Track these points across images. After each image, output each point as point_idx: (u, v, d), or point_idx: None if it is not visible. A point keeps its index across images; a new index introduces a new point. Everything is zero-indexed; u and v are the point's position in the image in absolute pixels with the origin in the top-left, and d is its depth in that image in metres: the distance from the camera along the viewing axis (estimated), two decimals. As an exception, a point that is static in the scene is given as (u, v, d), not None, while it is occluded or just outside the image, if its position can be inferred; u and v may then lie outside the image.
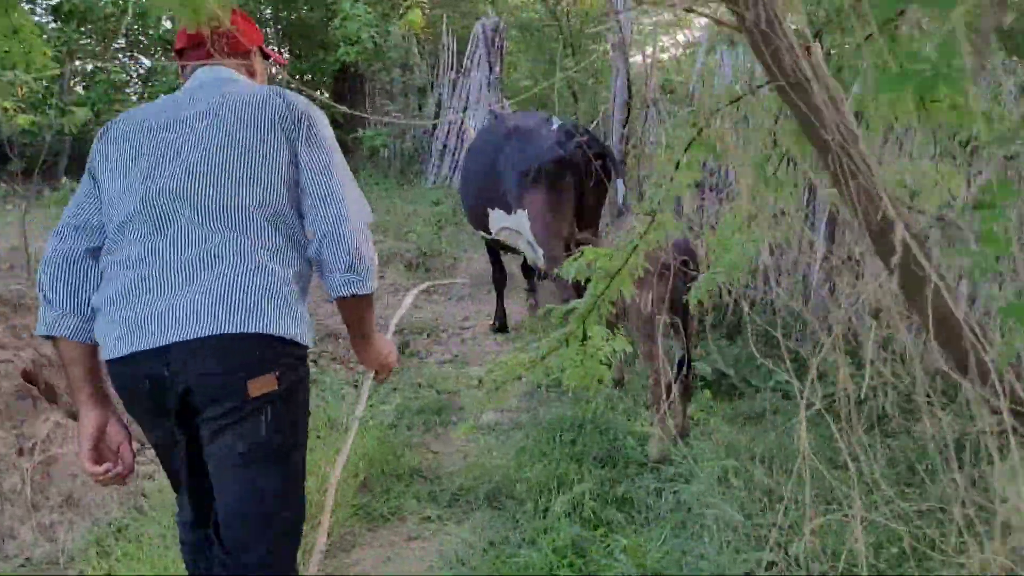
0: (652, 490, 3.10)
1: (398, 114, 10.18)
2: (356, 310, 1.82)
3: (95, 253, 1.75)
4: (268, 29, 12.03)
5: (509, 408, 4.17)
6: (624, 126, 6.12)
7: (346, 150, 11.01)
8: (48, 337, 1.76)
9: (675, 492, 3.04)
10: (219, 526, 1.72)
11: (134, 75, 11.85)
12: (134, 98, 11.21)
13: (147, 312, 1.62)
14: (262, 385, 1.64)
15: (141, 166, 1.72)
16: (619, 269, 1.70)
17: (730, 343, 5.14)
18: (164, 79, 10.35)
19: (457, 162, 9.78)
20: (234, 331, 1.61)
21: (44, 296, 1.74)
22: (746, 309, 2.32)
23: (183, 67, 1.97)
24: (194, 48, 1.94)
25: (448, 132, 10.06)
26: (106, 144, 1.80)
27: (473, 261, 7.41)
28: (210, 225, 1.67)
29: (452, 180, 9.64)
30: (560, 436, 3.55)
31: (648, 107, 6.06)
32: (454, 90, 10.03)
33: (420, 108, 10.48)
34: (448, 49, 10.24)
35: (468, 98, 9.63)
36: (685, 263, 4.11)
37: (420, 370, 4.75)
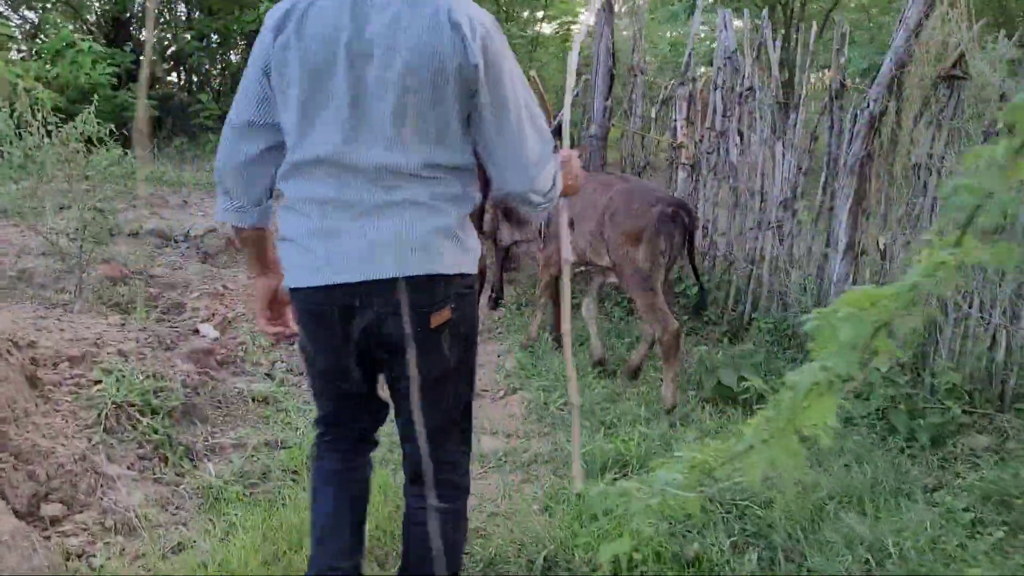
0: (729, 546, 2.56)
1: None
2: None
3: (270, 151, 1.82)
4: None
5: (513, 432, 3.56)
6: (607, 98, 5.53)
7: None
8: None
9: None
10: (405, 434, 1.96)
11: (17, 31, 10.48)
12: (16, 57, 9.91)
13: (341, 250, 1.74)
14: (440, 317, 1.81)
15: (329, 105, 1.73)
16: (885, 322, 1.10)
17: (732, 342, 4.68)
18: (56, 32, 9.12)
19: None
20: (418, 273, 1.75)
21: (224, 189, 1.88)
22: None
23: None
24: None
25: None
26: (283, 50, 1.73)
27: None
28: (392, 172, 1.73)
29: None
30: (602, 473, 2.97)
31: (635, 76, 5.47)
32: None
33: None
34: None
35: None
36: (677, 214, 3.99)
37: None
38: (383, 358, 1.88)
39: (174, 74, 12.04)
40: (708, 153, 5.18)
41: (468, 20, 1.71)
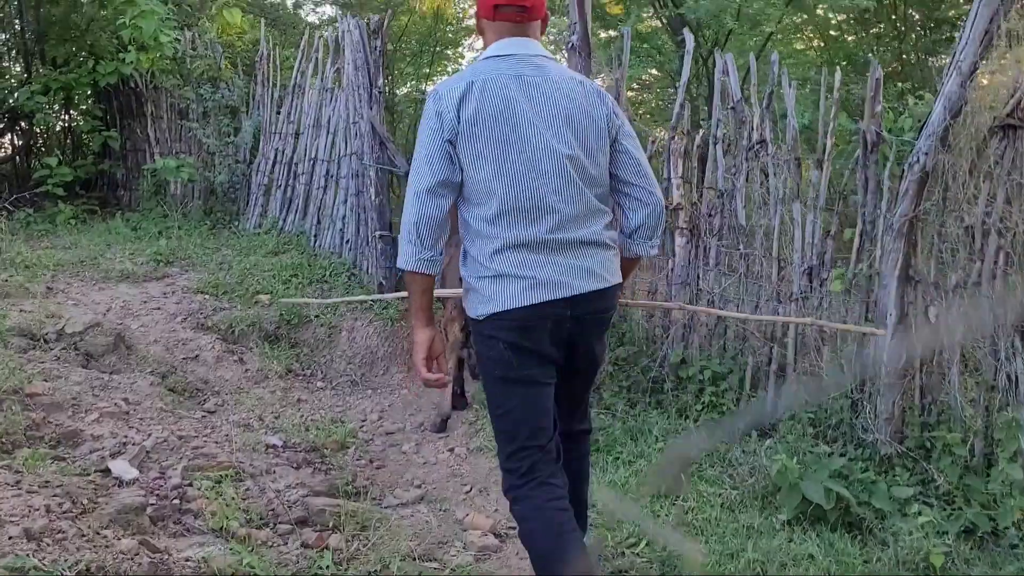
0: None
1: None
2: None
3: (451, 206, 2.29)
4: (17, 26, 9.41)
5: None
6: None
7: (123, 185, 8.73)
8: (406, 271, 2.32)
9: None
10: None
11: None
12: None
13: (553, 275, 2.25)
14: (614, 312, 2.51)
15: (518, 158, 2.23)
16: None
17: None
18: None
19: (291, 199, 7.97)
20: (611, 284, 2.36)
21: (419, 238, 2.25)
22: None
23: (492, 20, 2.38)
24: (518, 9, 2.34)
25: (274, 163, 8.22)
26: (470, 124, 2.22)
27: (356, 331, 5.73)
28: (581, 208, 2.29)
29: (285, 222, 7.80)
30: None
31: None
32: (278, 111, 8.23)
33: (234, 133, 8.51)
34: (268, 60, 8.43)
35: (302, 120, 7.89)
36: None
37: (379, 535, 3.06)
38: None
39: (7, 136, 10.46)
40: (710, 215, 4.58)
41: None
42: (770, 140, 4.34)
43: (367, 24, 6.11)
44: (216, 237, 7.76)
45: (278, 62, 8.43)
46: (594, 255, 2.29)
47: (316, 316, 5.84)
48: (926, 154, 3.73)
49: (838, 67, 4.29)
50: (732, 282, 4.52)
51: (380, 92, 5.87)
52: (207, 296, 5.87)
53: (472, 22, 14.15)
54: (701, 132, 4.65)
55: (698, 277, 4.63)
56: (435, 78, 13.29)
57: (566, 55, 4.77)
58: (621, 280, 2.41)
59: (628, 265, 2.52)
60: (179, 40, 8.02)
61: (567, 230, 2.25)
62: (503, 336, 2.26)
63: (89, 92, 9.65)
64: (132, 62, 7.62)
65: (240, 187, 8.49)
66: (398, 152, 6.05)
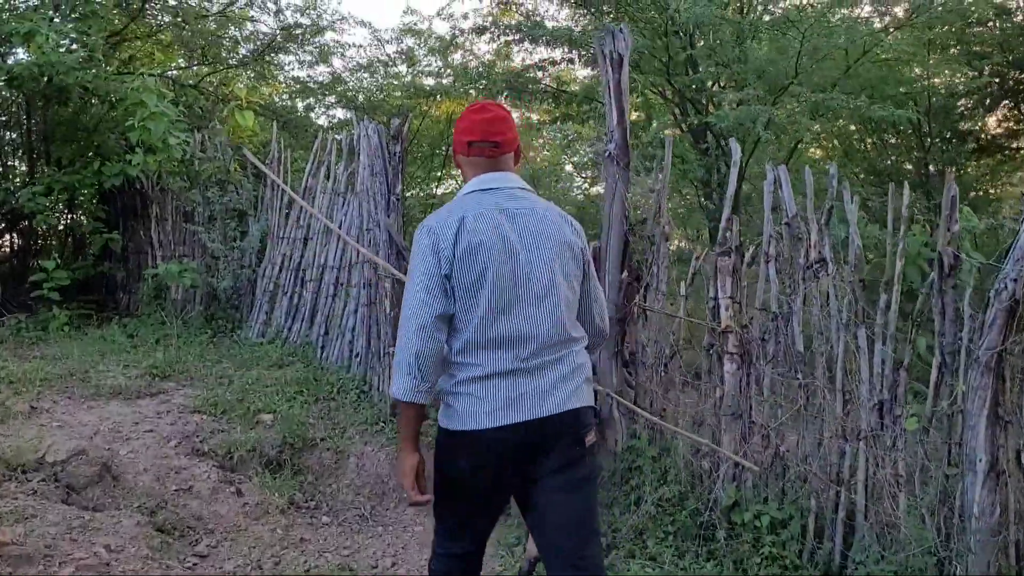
0: None
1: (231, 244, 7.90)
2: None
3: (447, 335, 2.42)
4: (24, 126, 9.23)
5: None
6: (623, 269, 4.49)
7: (123, 287, 8.33)
8: (402, 401, 2.41)
9: None
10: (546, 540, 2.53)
11: None
12: None
13: (524, 398, 2.38)
14: (591, 437, 2.50)
15: (501, 295, 2.38)
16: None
17: None
18: None
19: (297, 307, 7.60)
20: (579, 405, 2.47)
21: (419, 371, 2.34)
22: None
23: (467, 156, 2.57)
24: (491, 144, 2.54)
25: (281, 268, 7.89)
26: (461, 253, 2.37)
27: (366, 457, 5.26)
28: (554, 338, 2.44)
29: (291, 331, 7.41)
30: None
31: (658, 242, 4.49)
32: (287, 216, 7.95)
33: (240, 237, 8.21)
34: (279, 163, 8.21)
35: (312, 225, 7.61)
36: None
37: None
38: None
39: (7, 236, 10.19)
40: (763, 340, 4.18)
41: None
42: (831, 259, 3.98)
43: (387, 128, 5.86)
44: (217, 347, 7.35)
45: (288, 165, 8.22)
46: (572, 377, 2.47)
47: (322, 439, 5.37)
48: (1015, 280, 3.35)
49: (905, 183, 3.95)
50: (789, 415, 4.08)
51: (398, 199, 5.58)
52: (204, 416, 5.41)
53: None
54: (752, 249, 4.29)
55: (750, 408, 4.19)
56: (446, 182, 13.18)
57: (602, 165, 4.47)
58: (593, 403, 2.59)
59: None
60: (188, 142, 7.80)
61: (546, 354, 2.43)
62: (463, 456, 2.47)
63: (93, 193, 9.42)
64: (139, 164, 7.36)
65: (244, 293, 8.13)
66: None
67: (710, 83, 8.44)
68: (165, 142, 7.19)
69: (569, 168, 16.13)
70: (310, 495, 5.02)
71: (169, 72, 10.26)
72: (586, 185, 15.97)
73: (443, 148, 11.95)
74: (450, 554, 2.62)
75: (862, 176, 10.61)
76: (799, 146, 9.09)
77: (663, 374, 4.48)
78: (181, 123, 7.68)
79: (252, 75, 10.11)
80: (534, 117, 13.14)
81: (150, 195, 9.17)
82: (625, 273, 4.47)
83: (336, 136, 7.74)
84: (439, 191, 12.64)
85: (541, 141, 16.95)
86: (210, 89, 9.21)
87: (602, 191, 12.09)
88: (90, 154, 8.98)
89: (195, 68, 10.38)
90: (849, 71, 7.55)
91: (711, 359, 4.34)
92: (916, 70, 9.38)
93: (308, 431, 5.43)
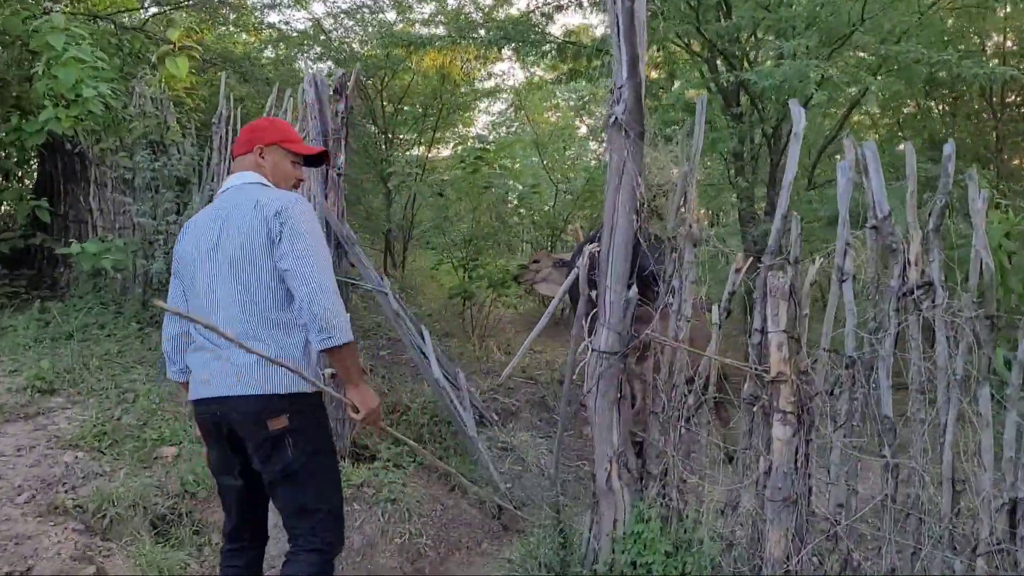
0: None
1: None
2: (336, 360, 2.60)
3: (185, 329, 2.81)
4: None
5: None
6: (630, 285, 3.20)
7: (62, 263, 7.08)
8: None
9: None
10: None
11: None
12: None
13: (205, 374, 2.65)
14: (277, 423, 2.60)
15: (196, 286, 2.67)
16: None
17: None
18: None
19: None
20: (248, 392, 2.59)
21: (168, 357, 2.87)
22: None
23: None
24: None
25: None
26: (178, 257, 2.81)
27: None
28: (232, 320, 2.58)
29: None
30: None
31: (681, 249, 3.21)
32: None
33: (181, 209, 6.97)
34: (228, 122, 6.93)
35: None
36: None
37: None
38: None
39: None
40: (831, 395, 2.90)
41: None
42: (940, 283, 2.69)
43: (328, 80, 4.53)
44: (141, 344, 6.12)
45: (238, 124, 6.93)
46: None
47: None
48: None
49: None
50: (869, 508, 2.82)
51: (340, 175, 4.29)
52: (82, 452, 4.21)
53: (484, 83, 12.84)
54: (818, 262, 2.98)
55: (810, 492, 2.92)
56: (440, 145, 11.85)
57: (606, 136, 3.17)
58: None
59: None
60: (116, 95, 6.51)
61: None
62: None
63: (26, 154, 8.18)
64: (48, 120, 6.08)
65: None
66: (366, 259, 4.45)
67: (748, 33, 7.03)
68: (79, 94, 5.90)
69: (583, 131, 14.74)
70: (211, 566, 3.82)
71: (119, 13, 8.93)
72: (601, 150, 14.60)
73: (436, 108, 10.59)
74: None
75: (924, 143, 9.12)
76: (825, 109, 7.65)
77: (683, 432, 3.22)
78: (106, 72, 6.38)
79: (198, 16, 8.77)
80: (539, 73, 11.79)
81: (89, 157, 7.92)
82: (633, 290, 3.19)
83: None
84: (430, 154, 11.29)
85: (547, 103, 15.55)
86: (157, 33, 7.90)
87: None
88: (11, 107, 7.70)
89: (147, 10, 9.05)
90: (922, 19, 6.15)
91: (753, 417, 3.06)
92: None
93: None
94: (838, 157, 8.74)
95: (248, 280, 2.56)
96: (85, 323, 6.49)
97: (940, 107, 8.61)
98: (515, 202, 9.90)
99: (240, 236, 2.56)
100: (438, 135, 11.24)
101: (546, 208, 11.14)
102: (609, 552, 3.25)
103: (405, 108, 10.73)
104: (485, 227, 8.98)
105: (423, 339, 5.19)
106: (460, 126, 12.16)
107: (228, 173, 2.68)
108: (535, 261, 7.71)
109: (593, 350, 3.23)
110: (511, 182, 10.42)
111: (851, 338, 2.88)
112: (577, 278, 3.28)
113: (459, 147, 11.38)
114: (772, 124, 7.06)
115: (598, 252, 3.20)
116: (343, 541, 2.82)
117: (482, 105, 13.42)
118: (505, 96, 13.58)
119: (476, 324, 8.64)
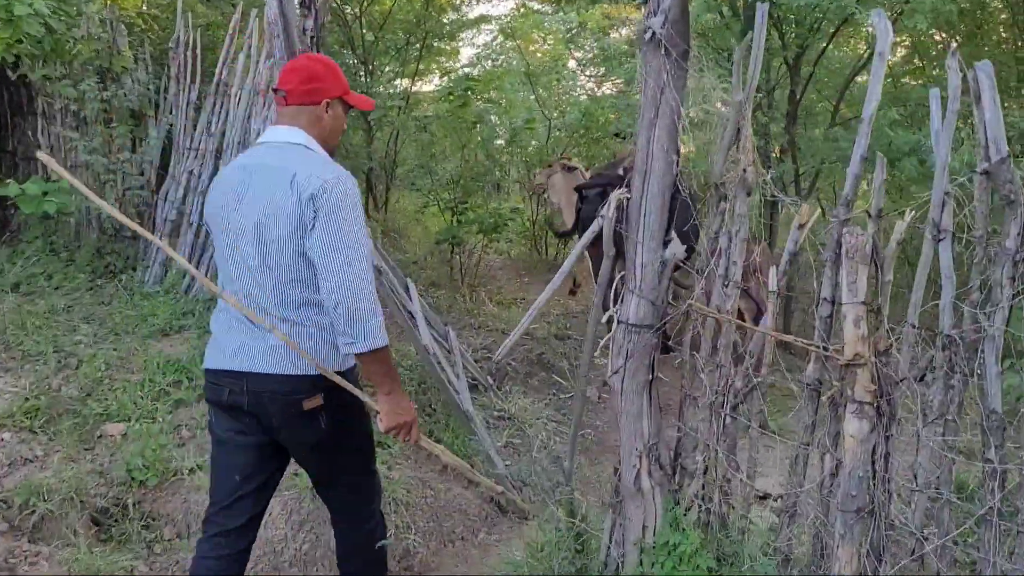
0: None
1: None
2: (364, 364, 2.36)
3: None
4: None
5: None
6: (664, 242, 2.61)
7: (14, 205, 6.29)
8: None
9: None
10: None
11: None
12: None
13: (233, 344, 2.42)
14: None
15: (224, 243, 2.41)
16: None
17: None
18: None
19: (205, 245, 5.75)
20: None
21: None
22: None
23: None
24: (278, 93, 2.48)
25: (187, 190, 6.01)
26: (208, 205, 2.49)
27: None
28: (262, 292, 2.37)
29: (195, 279, 5.58)
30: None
31: (733, 197, 2.62)
32: (200, 117, 6.02)
33: (136, 145, 6.28)
34: (187, 48, 6.22)
35: (228, 134, 5.69)
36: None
37: None
38: None
39: None
40: (921, 381, 2.35)
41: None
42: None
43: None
44: (93, 298, 5.49)
45: (199, 51, 6.20)
46: None
47: (192, 470, 3.59)
48: None
49: None
50: (969, 524, 2.28)
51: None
52: (8, 433, 3.62)
53: (472, 12, 11.99)
54: (908, 217, 2.39)
55: (889, 500, 2.38)
56: (425, 77, 11.09)
57: (640, 57, 2.54)
58: None
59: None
60: (56, 14, 5.75)
61: None
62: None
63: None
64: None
65: (143, 223, 6.22)
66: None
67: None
68: (9, 11, 5.16)
69: (572, 64, 13.94)
70: (164, 567, 3.27)
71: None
72: (591, 85, 13.82)
73: (420, 36, 9.81)
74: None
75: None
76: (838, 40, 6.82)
77: (727, 421, 2.66)
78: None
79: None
80: (535, 5, 10.94)
81: (35, 85, 7.16)
82: (671, 248, 2.59)
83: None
84: (414, 88, 10.53)
85: (538, 33, 14.69)
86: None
87: (611, 92, 9.83)
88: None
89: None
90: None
91: (815, 406, 2.51)
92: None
93: (173, 456, 3.66)
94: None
95: (277, 258, 2.30)
96: (32, 273, 5.84)
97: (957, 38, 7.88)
98: (508, 138, 9.26)
99: (271, 213, 2.28)
100: (422, 67, 10.46)
101: (534, 145, 10.49)
102: (636, 564, 2.72)
103: (387, 36, 9.93)
104: (474, 166, 8.36)
105: (408, 296, 4.60)
106: (445, 58, 11.37)
107: (271, 123, 2.42)
108: (548, 166, 7.74)
109: (620, 322, 2.65)
110: (501, 117, 9.76)
111: (948, 312, 2.31)
112: (600, 232, 2.69)
113: (444, 78, 10.63)
114: (794, 52, 6.38)
115: (627, 200, 2.59)
116: (381, 492, 2.81)
117: (468, 36, 12.63)
118: (491, 28, 12.79)
119: (465, 272, 8.05)
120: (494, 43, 13.48)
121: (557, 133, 10.42)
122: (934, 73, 8.38)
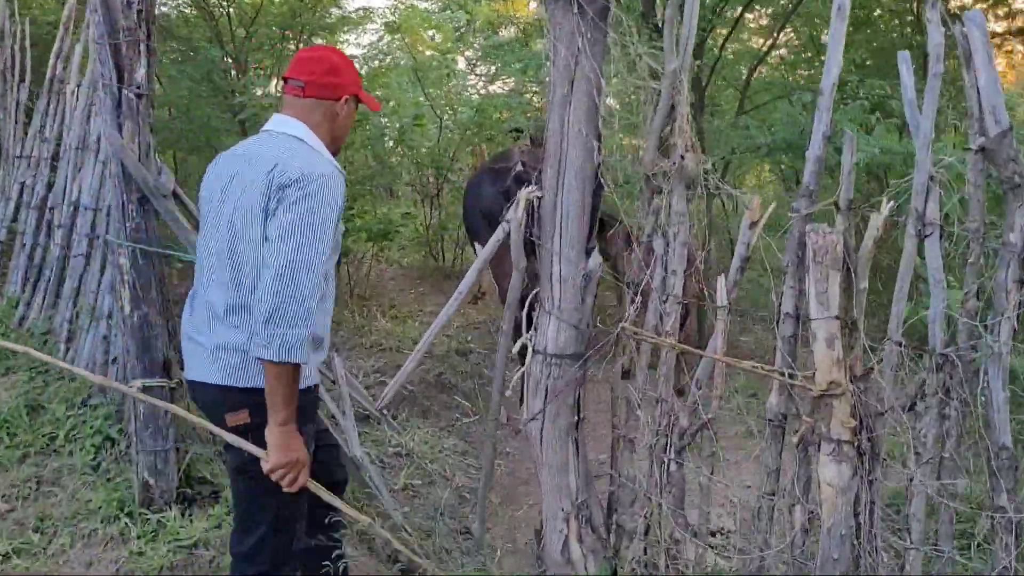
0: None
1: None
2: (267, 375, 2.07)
3: None
4: None
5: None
6: (588, 252, 2.08)
7: None
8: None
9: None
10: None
11: None
12: None
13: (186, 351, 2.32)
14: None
15: (204, 230, 2.28)
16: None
17: None
18: None
19: (41, 269, 4.95)
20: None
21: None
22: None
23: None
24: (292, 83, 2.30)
25: (18, 205, 5.21)
26: (200, 191, 2.34)
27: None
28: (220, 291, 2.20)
29: (29, 307, 4.81)
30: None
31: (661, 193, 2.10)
32: (32, 120, 5.23)
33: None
34: (15, 39, 5.41)
35: (63, 137, 4.93)
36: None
37: None
38: None
39: None
40: (911, 410, 1.91)
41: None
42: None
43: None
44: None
45: (28, 42, 5.38)
46: None
47: (5, 554, 2.88)
48: None
49: None
50: (977, 588, 1.85)
51: (141, 97, 2.94)
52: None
53: (358, 8, 11.34)
54: (885, 208, 1.94)
55: (876, 559, 1.93)
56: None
57: (547, 10, 2.01)
58: None
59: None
60: None
61: None
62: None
63: None
64: None
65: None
66: (182, 216, 3.15)
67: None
68: None
69: (462, 64, 13.43)
70: None
71: None
72: (480, 85, 13.33)
73: (297, 29, 9.09)
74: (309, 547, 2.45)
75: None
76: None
77: (671, 468, 2.16)
78: None
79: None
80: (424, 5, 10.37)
81: None
82: (595, 259, 2.08)
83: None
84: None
85: (432, 33, 14.14)
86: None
87: (503, 90, 9.26)
88: None
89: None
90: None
91: (780, 447, 2.04)
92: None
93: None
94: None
95: (242, 249, 2.14)
96: None
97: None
98: (396, 137, 8.68)
99: (244, 202, 2.13)
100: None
101: (427, 145, 9.93)
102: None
103: (260, 31, 9.19)
104: (361, 169, 7.74)
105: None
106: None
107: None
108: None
109: (536, 352, 2.11)
110: (389, 116, 9.17)
111: (939, 324, 1.88)
112: (506, 239, 2.15)
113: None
114: (706, 18, 6.02)
115: (538, 200, 2.07)
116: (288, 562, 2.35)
117: (353, 37, 11.95)
118: (377, 28, 12.17)
119: (354, 284, 7.40)
120: (380, 43, 12.86)
121: (449, 134, 9.91)
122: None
